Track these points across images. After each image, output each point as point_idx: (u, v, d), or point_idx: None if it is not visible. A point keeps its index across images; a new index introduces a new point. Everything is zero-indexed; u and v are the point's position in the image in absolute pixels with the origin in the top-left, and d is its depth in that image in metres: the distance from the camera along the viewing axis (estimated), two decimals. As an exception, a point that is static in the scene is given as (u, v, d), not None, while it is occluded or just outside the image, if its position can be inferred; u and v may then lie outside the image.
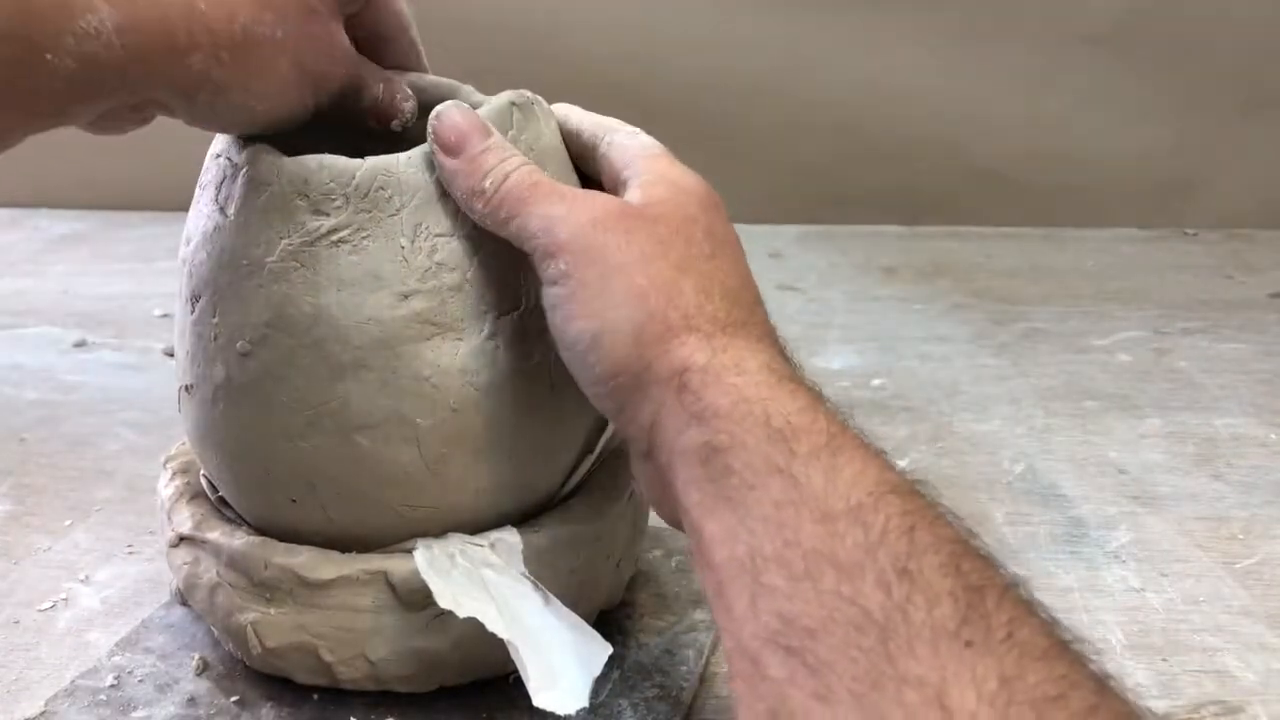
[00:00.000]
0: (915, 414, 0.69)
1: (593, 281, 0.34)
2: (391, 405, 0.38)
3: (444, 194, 0.38)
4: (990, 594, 0.27)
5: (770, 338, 0.36)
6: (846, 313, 0.87)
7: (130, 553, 0.53)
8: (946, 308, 0.88)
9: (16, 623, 0.48)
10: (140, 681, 0.42)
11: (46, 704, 0.41)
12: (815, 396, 0.33)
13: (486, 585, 0.38)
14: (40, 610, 0.49)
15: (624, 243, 0.35)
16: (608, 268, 0.34)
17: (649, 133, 0.41)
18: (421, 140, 0.39)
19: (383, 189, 0.38)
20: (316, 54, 0.37)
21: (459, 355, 0.38)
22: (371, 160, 0.38)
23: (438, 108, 0.39)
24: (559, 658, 0.37)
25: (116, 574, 0.51)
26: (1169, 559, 0.54)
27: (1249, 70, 1.07)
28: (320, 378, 0.38)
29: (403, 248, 0.38)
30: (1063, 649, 0.26)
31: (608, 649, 0.37)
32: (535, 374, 0.40)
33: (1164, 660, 0.47)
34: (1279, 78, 1.07)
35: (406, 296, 0.38)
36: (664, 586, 0.48)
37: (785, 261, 0.99)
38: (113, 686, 0.42)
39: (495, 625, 0.36)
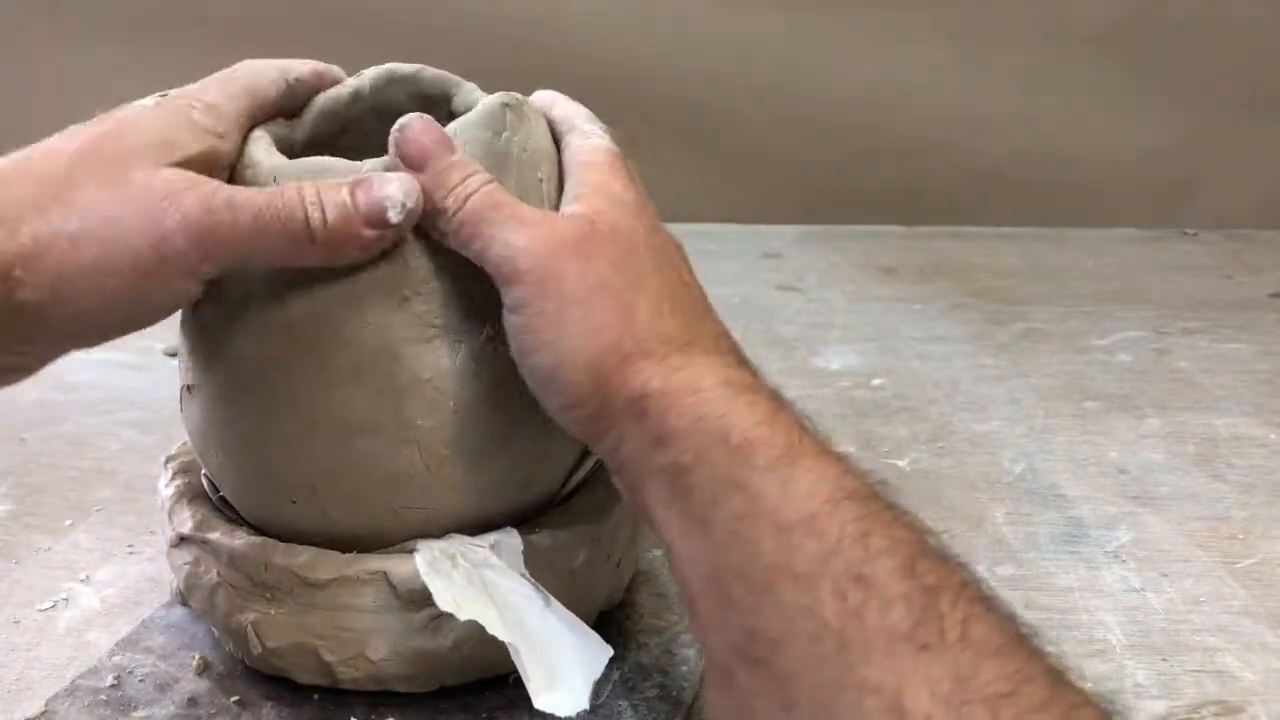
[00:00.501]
0: (915, 414, 0.69)
1: (549, 313, 0.35)
2: (392, 407, 0.38)
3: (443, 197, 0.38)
4: (945, 594, 0.27)
5: (724, 348, 0.36)
6: (846, 313, 0.87)
7: (130, 553, 0.53)
8: (946, 308, 0.88)
9: (17, 623, 0.48)
10: (141, 681, 0.42)
11: (47, 704, 0.41)
12: (775, 405, 0.33)
13: (487, 587, 0.38)
14: (40, 610, 0.49)
15: (581, 271, 0.35)
16: (564, 300, 0.35)
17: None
18: None
19: None
20: (143, 222, 0.33)
21: (459, 357, 0.38)
22: (370, 163, 0.38)
23: (401, 120, 0.38)
24: (559, 659, 0.37)
25: (117, 574, 0.51)
26: (1169, 559, 0.54)
27: (1249, 70, 1.07)
28: (320, 380, 0.38)
29: (403, 251, 0.38)
30: (1017, 644, 0.27)
31: (608, 651, 0.37)
32: None
33: (1164, 660, 0.47)
34: (1279, 78, 1.07)
35: (406, 299, 0.38)
36: (664, 586, 0.48)
37: (785, 261, 0.99)
38: (113, 686, 0.42)
39: (495, 627, 0.36)
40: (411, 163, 0.37)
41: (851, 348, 0.79)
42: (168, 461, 0.47)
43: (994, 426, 0.68)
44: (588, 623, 0.42)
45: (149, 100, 0.36)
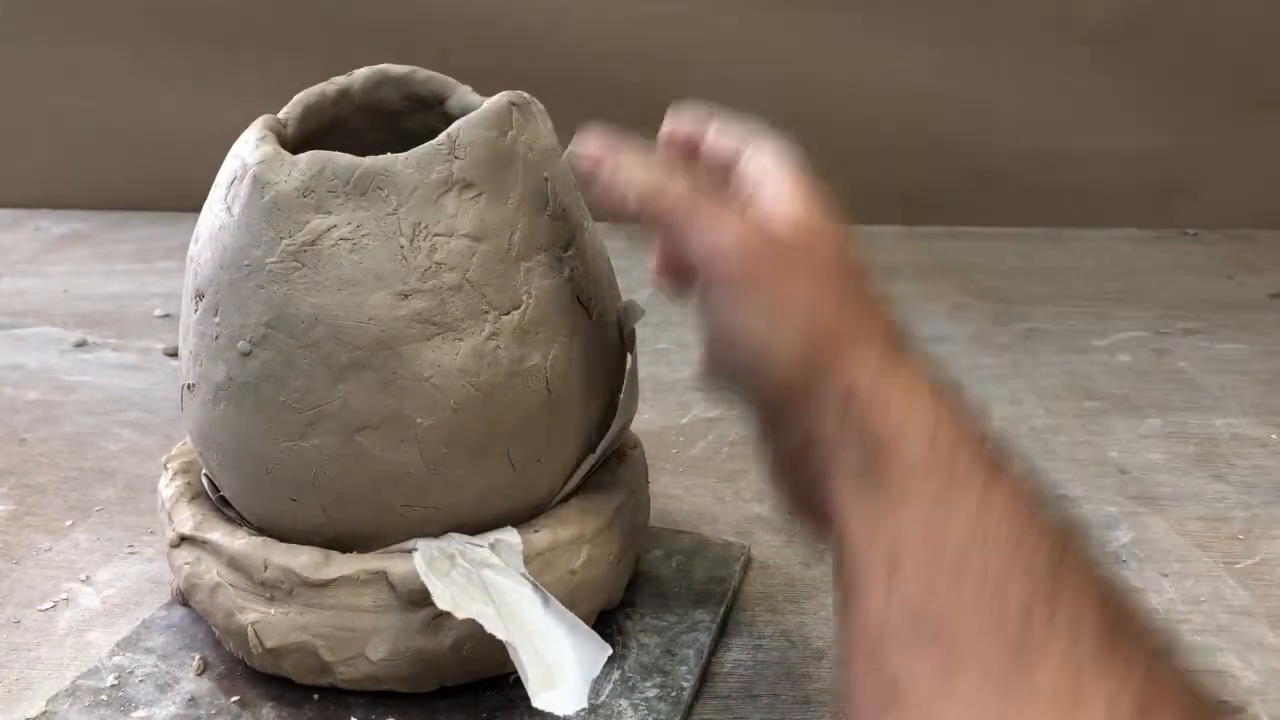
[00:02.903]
0: (915, 414, 0.69)
1: (762, 300, 0.36)
2: (392, 405, 0.38)
3: (443, 194, 0.38)
4: (1128, 623, 0.27)
5: (927, 360, 0.37)
6: (847, 313, 0.87)
7: (131, 553, 0.53)
8: (946, 308, 0.88)
9: (17, 623, 0.48)
10: (141, 681, 0.42)
11: (47, 704, 0.41)
12: (977, 425, 0.34)
13: (486, 586, 0.38)
14: (41, 610, 0.49)
15: (790, 264, 0.36)
16: (777, 288, 0.36)
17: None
18: (427, 138, 0.39)
19: (380, 188, 0.38)
20: None
21: (459, 355, 0.38)
22: (370, 159, 0.38)
23: (576, 139, 0.39)
24: (558, 658, 0.37)
25: (117, 574, 0.51)
26: (1169, 559, 0.54)
27: (1249, 70, 1.07)
28: (321, 378, 0.38)
29: (402, 247, 0.38)
30: (1195, 691, 0.27)
31: (607, 650, 0.37)
32: (536, 374, 0.40)
33: (1164, 660, 0.47)
34: (1279, 78, 1.07)
35: (406, 296, 0.38)
36: (665, 586, 0.48)
37: (785, 261, 0.99)
38: (113, 686, 0.42)
39: (494, 626, 0.36)
40: (583, 177, 0.39)
41: (851, 348, 0.79)
42: (168, 461, 0.47)
43: (994, 426, 0.68)
44: (588, 622, 0.42)
45: None
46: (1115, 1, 1.05)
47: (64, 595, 0.50)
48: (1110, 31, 1.05)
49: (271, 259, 0.38)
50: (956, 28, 1.06)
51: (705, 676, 0.44)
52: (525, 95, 0.41)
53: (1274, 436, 0.67)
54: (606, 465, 0.45)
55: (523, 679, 0.36)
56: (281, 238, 0.38)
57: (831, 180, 0.41)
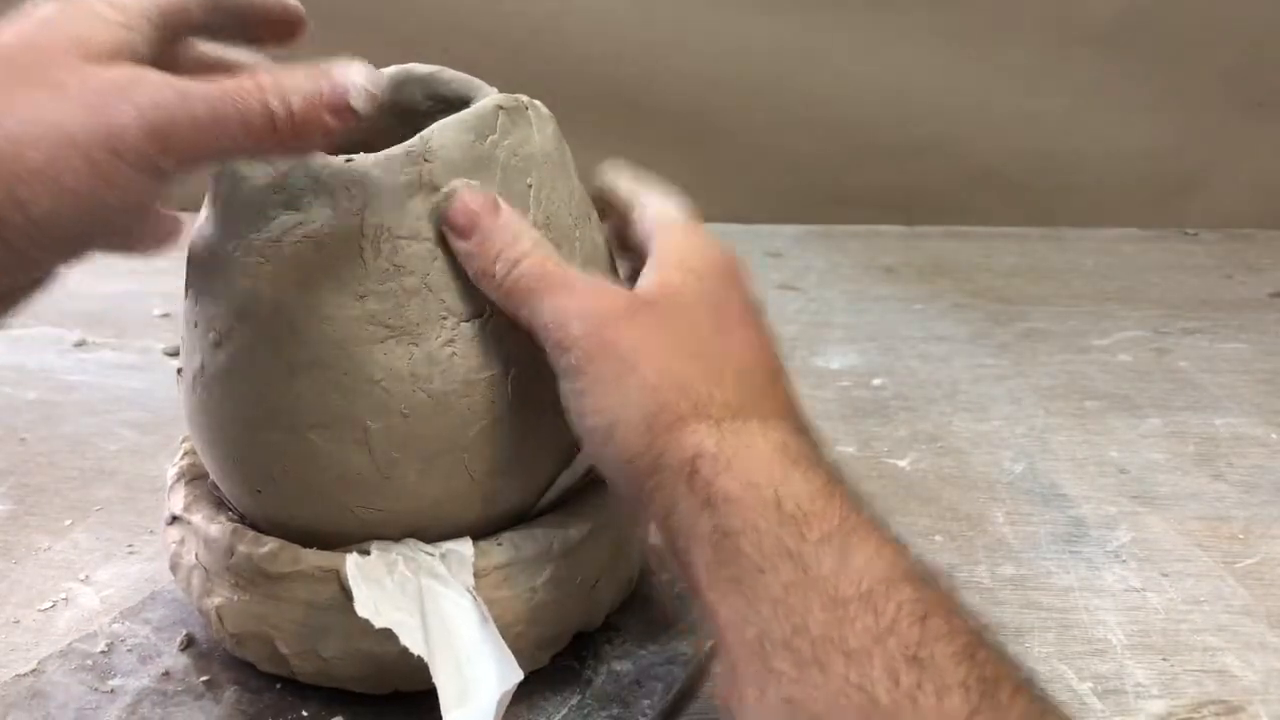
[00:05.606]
0: (915, 414, 0.69)
1: (605, 376, 0.35)
2: (343, 405, 0.38)
3: (410, 197, 0.38)
4: (1004, 686, 0.27)
5: (787, 414, 0.36)
6: (846, 312, 0.87)
7: (130, 552, 0.53)
8: (946, 308, 0.88)
9: (16, 623, 0.48)
10: (129, 651, 0.44)
11: (39, 663, 0.42)
12: (831, 478, 0.33)
13: (422, 595, 0.38)
14: (40, 610, 0.49)
15: (634, 337, 0.35)
16: (619, 363, 0.35)
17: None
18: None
19: (348, 188, 0.37)
20: (92, 120, 0.31)
21: (412, 360, 0.38)
22: (342, 158, 0.38)
23: (448, 187, 0.38)
24: (476, 677, 0.36)
25: (117, 574, 0.51)
26: (1169, 559, 0.54)
27: (1249, 70, 1.07)
28: (278, 373, 0.38)
29: (362, 248, 0.37)
30: None
31: (518, 675, 0.37)
32: (496, 385, 0.39)
33: (1164, 660, 0.47)
34: (1279, 77, 1.07)
35: (362, 297, 0.37)
36: (659, 614, 0.46)
37: (785, 261, 0.99)
38: (102, 653, 0.43)
39: (411, 639, 0.36)
40: (460, 230, 0.37)
41: (852, 347, 0.79)
42: (183, 441, 0.47)
43: (994, 426, 0.68)
44: (561, 644, 0.42)
45: (49, 6, 0.34)
46: (1116, 1, 1.05)
47: (63, 595, 0.50)
48: (1110, 31, 1.05)
49: (239, 253, 0.38)
50: (956, 27, 1.06)
51: (677, 712, 0.43)
52: (522, 98, 0.41)
53: (1274, 436, 0.67)
54: (594, 483, 0.44)
55: (438, 694, 0.36)
56: (250, 232, 0.38)
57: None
